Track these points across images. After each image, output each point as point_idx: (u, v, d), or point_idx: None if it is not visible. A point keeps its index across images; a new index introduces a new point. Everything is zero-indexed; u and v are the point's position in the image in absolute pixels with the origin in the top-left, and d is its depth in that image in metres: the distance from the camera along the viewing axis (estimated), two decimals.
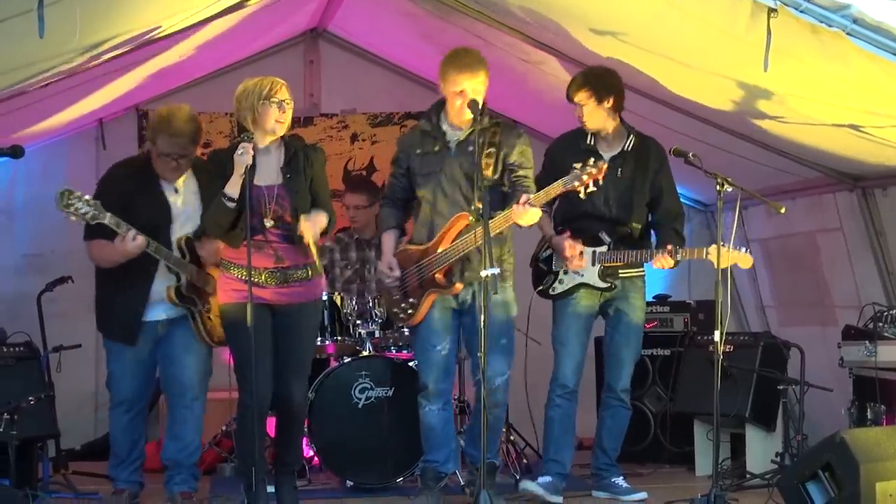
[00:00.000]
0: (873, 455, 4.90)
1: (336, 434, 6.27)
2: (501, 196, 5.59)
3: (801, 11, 4.48)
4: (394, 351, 6.60)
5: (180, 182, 5.72)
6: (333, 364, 6.57)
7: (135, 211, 5.50)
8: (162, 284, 5.61)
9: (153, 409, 6.71)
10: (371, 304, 6.56)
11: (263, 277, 5.30)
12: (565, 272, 5.98)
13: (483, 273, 4.99)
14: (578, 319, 5.97)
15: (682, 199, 6.25)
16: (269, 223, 5.28)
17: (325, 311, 6.44)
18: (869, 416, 6.01)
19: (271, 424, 5.68)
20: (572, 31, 5.83)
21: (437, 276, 5.59)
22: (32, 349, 6.13)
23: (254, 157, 5.19)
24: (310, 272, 5.40)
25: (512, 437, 6.69)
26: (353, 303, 6.59)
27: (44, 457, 6.12)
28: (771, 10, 4.49)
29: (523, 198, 5.36)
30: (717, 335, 5.31)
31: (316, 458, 6.50)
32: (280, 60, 7.90)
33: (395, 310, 5.78)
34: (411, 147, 5.73)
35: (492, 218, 5.31)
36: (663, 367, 7.21)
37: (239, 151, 5.14)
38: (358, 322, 6.55)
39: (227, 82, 6.97)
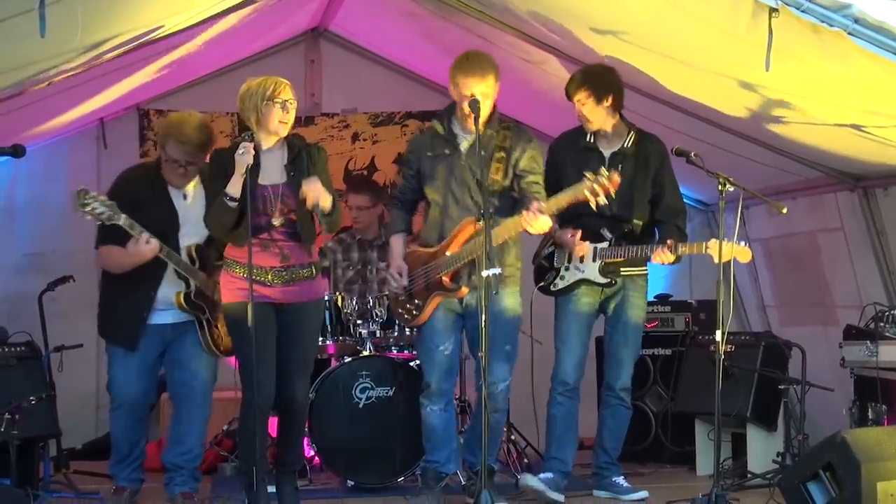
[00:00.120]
0: (874, 455, 4.91)
1: (337, 434, 6.26)
2: (511, 201, 5.59)
3: (803, 11, 4.47)
4: (394, 350, 6.59)
5: (190, 188, 5.70)
6: (334, 364, 6.56)
7: (144, 216, 5.48)
8: (169, 289, 5.60)
9: (153, 409, 6.70)
10: (371, 303, 6.56)
11: (269, 276, 5.30)
12: (566, 269, 5.98)
13: (484, 273, 4.99)
14: (579, 317, 5.97)
15: (683, 199, 6.25)
16: (276, 222, 5.28)
17: (326, 311, 6.43)
18: (870, 416, 6.01)
19: (272, 424, 5.67)
20: (574, 30, 5.82)
21: (444, 279, 5.59)
22: (34, 349, 6.12)
23: (258, 156, 5.20)
24: (314, 270, 5.41)
25: (513, 437, 6.69)
26: (354, 303, 6.59)
27: (45, 456, 6.13)
28: (772, 10, 4.49)
29: (535, 205, 5.33)
30: (718, 335, 5.31)
31: (316, 458, 6.49)
32: (281, 60, 7.89)
33: (400, 310, 5.79)
34: (422, 149, 5.72)
35: (501, 224, 5.30)
36: (664, 366, 7.20)
37: (240, 151, 5.14)
38: (358, 322, 6.54)
39: (228, 82, 6.98)
